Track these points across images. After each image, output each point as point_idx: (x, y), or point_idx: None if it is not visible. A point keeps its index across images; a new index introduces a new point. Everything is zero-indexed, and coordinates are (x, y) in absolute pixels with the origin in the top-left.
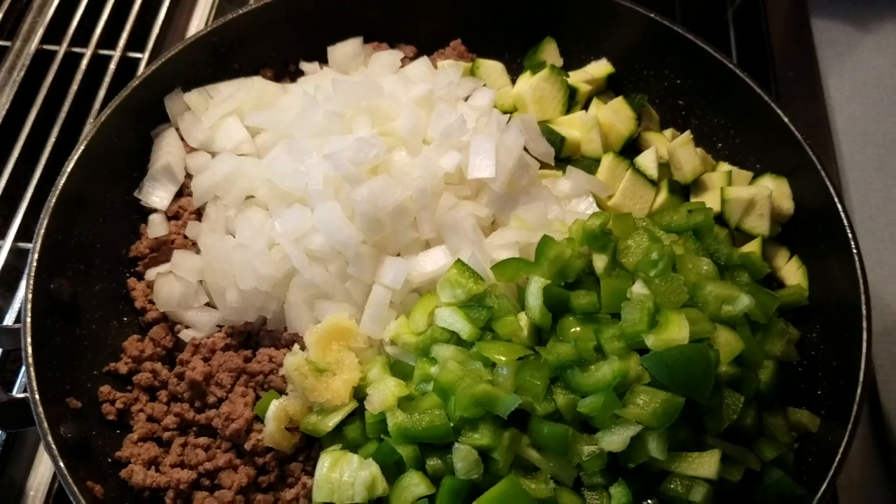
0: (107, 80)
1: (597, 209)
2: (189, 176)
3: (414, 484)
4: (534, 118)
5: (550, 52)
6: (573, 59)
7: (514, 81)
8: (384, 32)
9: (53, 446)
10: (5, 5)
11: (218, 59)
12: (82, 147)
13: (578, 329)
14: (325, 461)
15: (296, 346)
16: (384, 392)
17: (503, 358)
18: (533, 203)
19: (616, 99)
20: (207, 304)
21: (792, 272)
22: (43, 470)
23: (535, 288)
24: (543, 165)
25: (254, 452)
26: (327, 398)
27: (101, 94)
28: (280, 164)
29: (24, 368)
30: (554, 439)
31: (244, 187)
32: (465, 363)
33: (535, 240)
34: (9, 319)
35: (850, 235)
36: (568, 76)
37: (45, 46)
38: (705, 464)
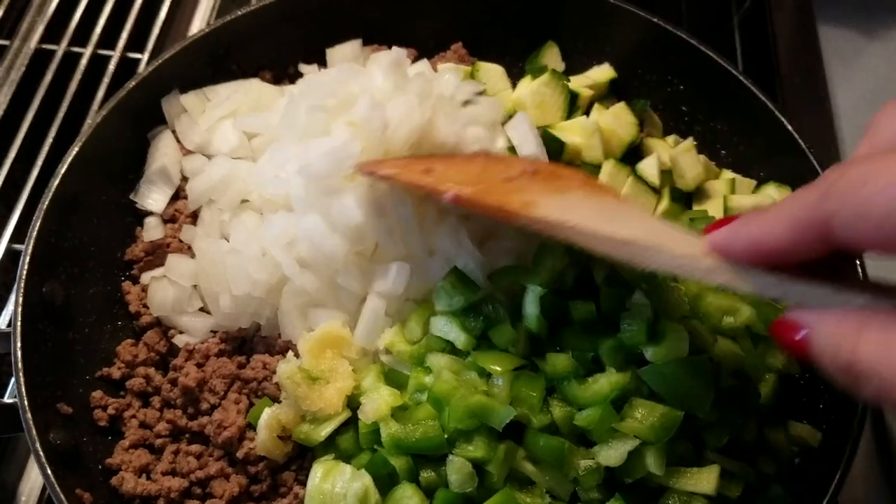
0: (106, 80)
1: None
2: (185, 179)
3: (407, 496)
4: (528, 117)
5: (552, 56)
6: (575, 64)
7: (514, 85)
8: (384, 35)
9: (41, 453)
10: (5, 4)
11: (216, 61)
12: (77, 148)
13: (576, 340)
14: (318, 471)
15: (290, 354)
16: (378, 402)
17: (499, 368)
18: None
19: (618, 104)
20: (201, 310)
21: None
22: (35, 475)
23: (533, 296)
24: None
25: (246, 461)
26: (320, 407)
27: (100, 94)
28: (264, 170)
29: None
30: (550, 452)
31: (239, 191)
32: (460, 373)
33: (532, 246)
34: (2, 323)
35: None
36: (569, 81)
37: (44, 46)
38: (704, 479)
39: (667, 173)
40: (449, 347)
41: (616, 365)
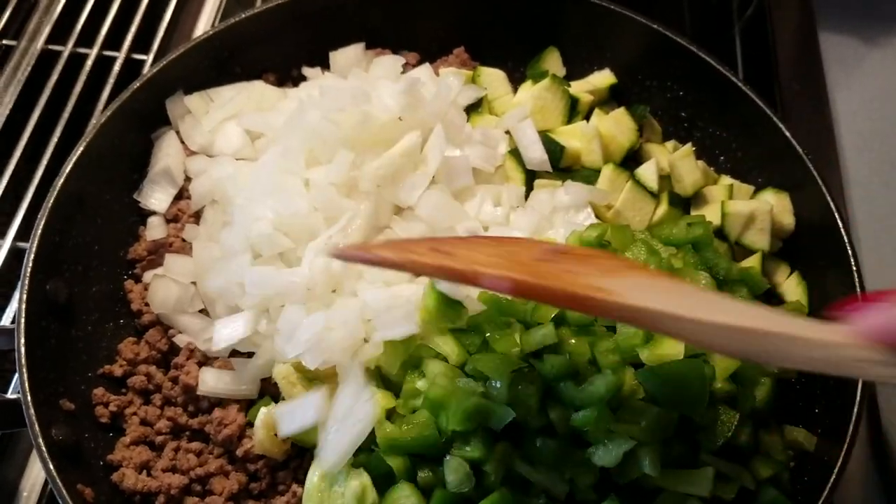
0: (111, 81)
1: (595, 220)
2: (189, 179)
3: (405, 496)
4: (532, 124)
5: (553, 62)
6: (576, 69)
7: (515, 90)
8: (388, 39)
9: (44, 448)
10: (12, 4)
11: (220, 63)
12: (81, 148)
13: (573, 341)
14: (316, 470)
15: None
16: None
17: (497, 371)
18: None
19: (618, 110)
20: (202, 311)
21: (792, 288)
22: (37, 471)
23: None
24: (541, 175)
25: (245, 459)
26: None
27: (105, 95)
28: (243, 216)
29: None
30: (546, 453)
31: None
32: (455, 377)
33: None
34: (6, 319)
35: (850, 252)
36: (569, 86)
37: (50, 46)
38: (698, 481)
39: (665, 178)
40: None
41: (612, 367)
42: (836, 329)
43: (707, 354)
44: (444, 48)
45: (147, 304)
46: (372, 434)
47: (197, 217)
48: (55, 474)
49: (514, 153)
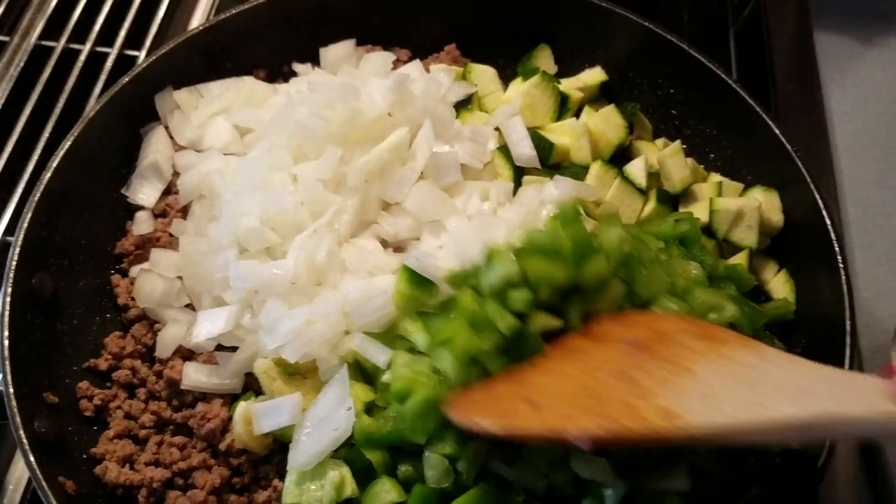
0: (103, 77)
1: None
2: (177, 174)
3: (385, 490)
4: (521, 121)
5: (544, 59)
6: (567, 67)
7: (507, 88)
8: (380, 35)
9: (25, 440)
10: (6, 0)
11: (211, 59)
12: (69, 142)
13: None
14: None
15: None
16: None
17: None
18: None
19: (607, 107)
20: (188, 306)
21: (779, 286)
22: (23, 465)
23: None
24: (529, 171)
25: (228, 453)
26: None
27: (97, 90)
28: (228, 211)
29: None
30: (523, 453)
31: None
32: (419, 368)
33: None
34: None
35: (837, 250)
36: (559, 83)
37: (43, 42)
38: (676, 477)
39: (654, 175)
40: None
41: None
42: (879, 391)
43: None
44: (436, 45)
45: (133, 299)
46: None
47: (185, 212)
48: (36, 466)
49: (504, 150)
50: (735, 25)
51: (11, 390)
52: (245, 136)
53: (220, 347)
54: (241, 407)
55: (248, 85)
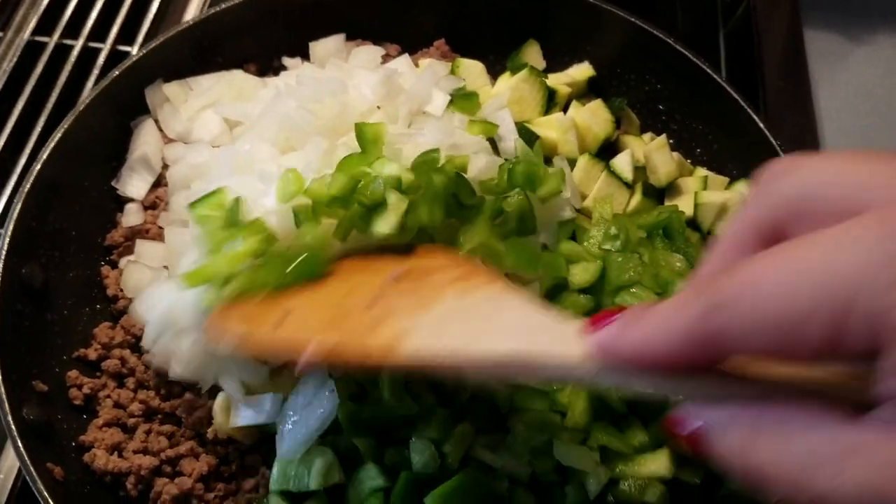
0: (95, 72)
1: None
2: (167, 166)
3: (371, 477)
4: (510, 114)
5: (533, 54)
6: (556, 62)
7: (495, 83)
8: (369, 30)
9: (13, 426)
10: None
11: (201, 52)
12: (59, 134)
13: None
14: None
15: None
16: None
17: None
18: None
19: (594, 101)
20: None
21: None
22: (13, 455)
23: None
24: None
25: (216, 441)
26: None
27: (89, 85)
28: None
29: None
30: (506, 441)
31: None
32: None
33: None
34: None
35: None
36: (547, 78)
37: (36, 38)
38: (658, 463)
39: (640, 169)
40: None
41: None
42: (573, 340)
43: None
44: (426, 40)
45: (122, 290)
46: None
47: None
48: (24, 452)
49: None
50: (726, 25)
51: (0, 378)
52: (234, 129)
53: None
54: (221, 397)
55: (237, 78)
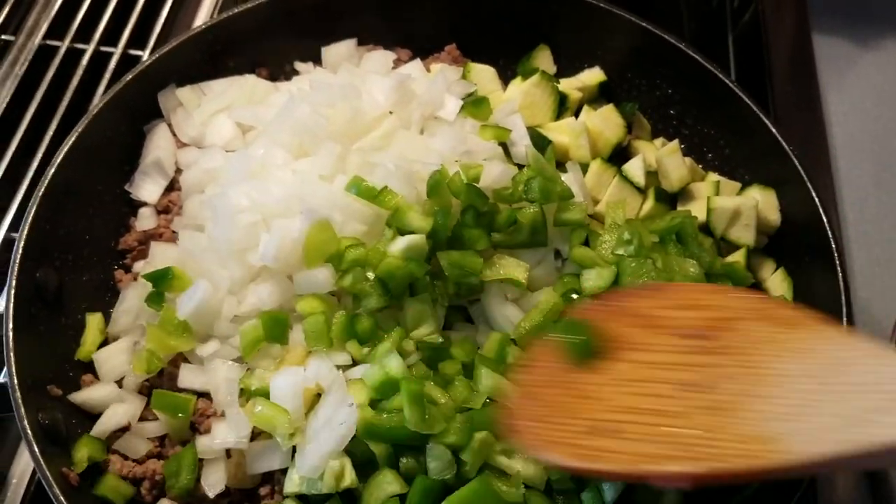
0: (107, 76)
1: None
2: (179, 171)
3: (387, 482)
4: (522, 119)
5: (544, 59)
6: (567, 67)
7: (506, 88)
8: (381, 35)
9: (29, 432)
10: (10, 0)
11: (213, 57)
12: (73, 139)
13: None
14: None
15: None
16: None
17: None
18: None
19: (606, 107)
20: None
21: (777, 284)
22: (26, 458)
23: None
24: None
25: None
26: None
27: (101, 90)
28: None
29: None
30: None
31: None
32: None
33: None
34: None
35: (834, 249)
36: (558, 83)
37: (48, 42)
38: None
39: (652, 174)
40: None
41: None
42: None
43: None
44: (437, 45)
45: None
46: None
47: None
48: (40, 457)
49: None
50: (735, 30)
51: (16, 382)
52: (247, 134)
53: None
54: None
55: (249, 83)
